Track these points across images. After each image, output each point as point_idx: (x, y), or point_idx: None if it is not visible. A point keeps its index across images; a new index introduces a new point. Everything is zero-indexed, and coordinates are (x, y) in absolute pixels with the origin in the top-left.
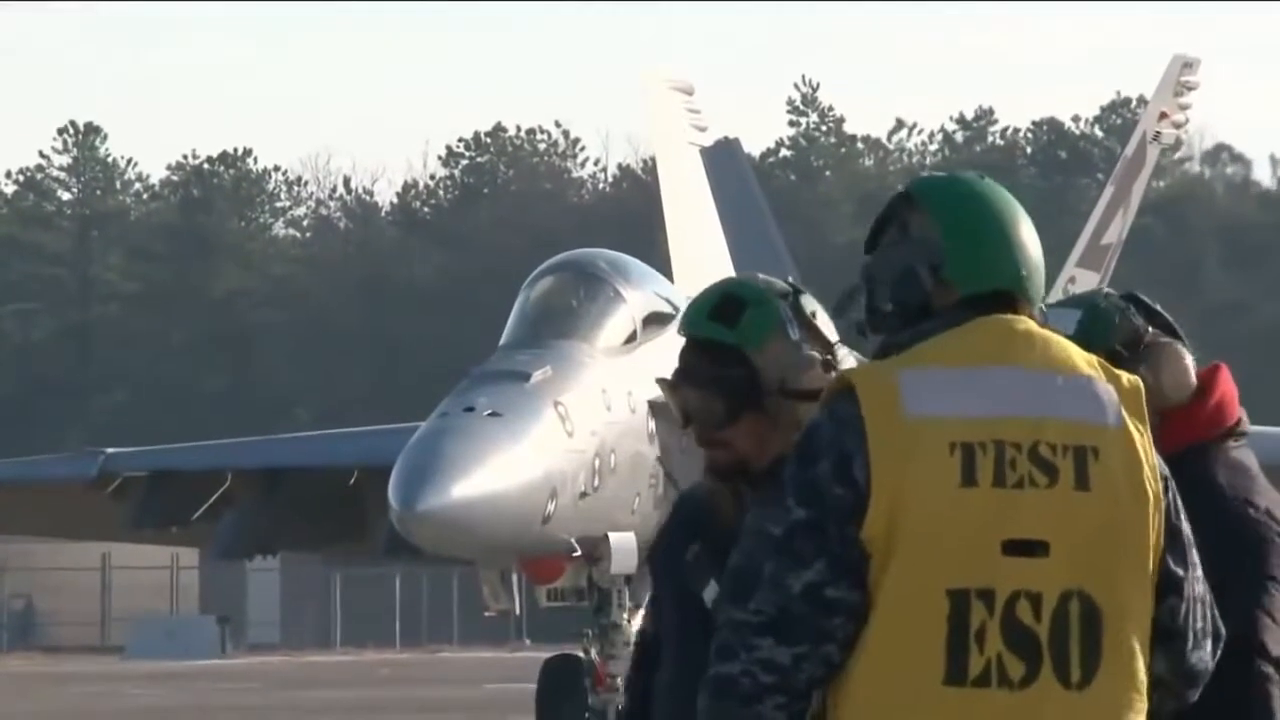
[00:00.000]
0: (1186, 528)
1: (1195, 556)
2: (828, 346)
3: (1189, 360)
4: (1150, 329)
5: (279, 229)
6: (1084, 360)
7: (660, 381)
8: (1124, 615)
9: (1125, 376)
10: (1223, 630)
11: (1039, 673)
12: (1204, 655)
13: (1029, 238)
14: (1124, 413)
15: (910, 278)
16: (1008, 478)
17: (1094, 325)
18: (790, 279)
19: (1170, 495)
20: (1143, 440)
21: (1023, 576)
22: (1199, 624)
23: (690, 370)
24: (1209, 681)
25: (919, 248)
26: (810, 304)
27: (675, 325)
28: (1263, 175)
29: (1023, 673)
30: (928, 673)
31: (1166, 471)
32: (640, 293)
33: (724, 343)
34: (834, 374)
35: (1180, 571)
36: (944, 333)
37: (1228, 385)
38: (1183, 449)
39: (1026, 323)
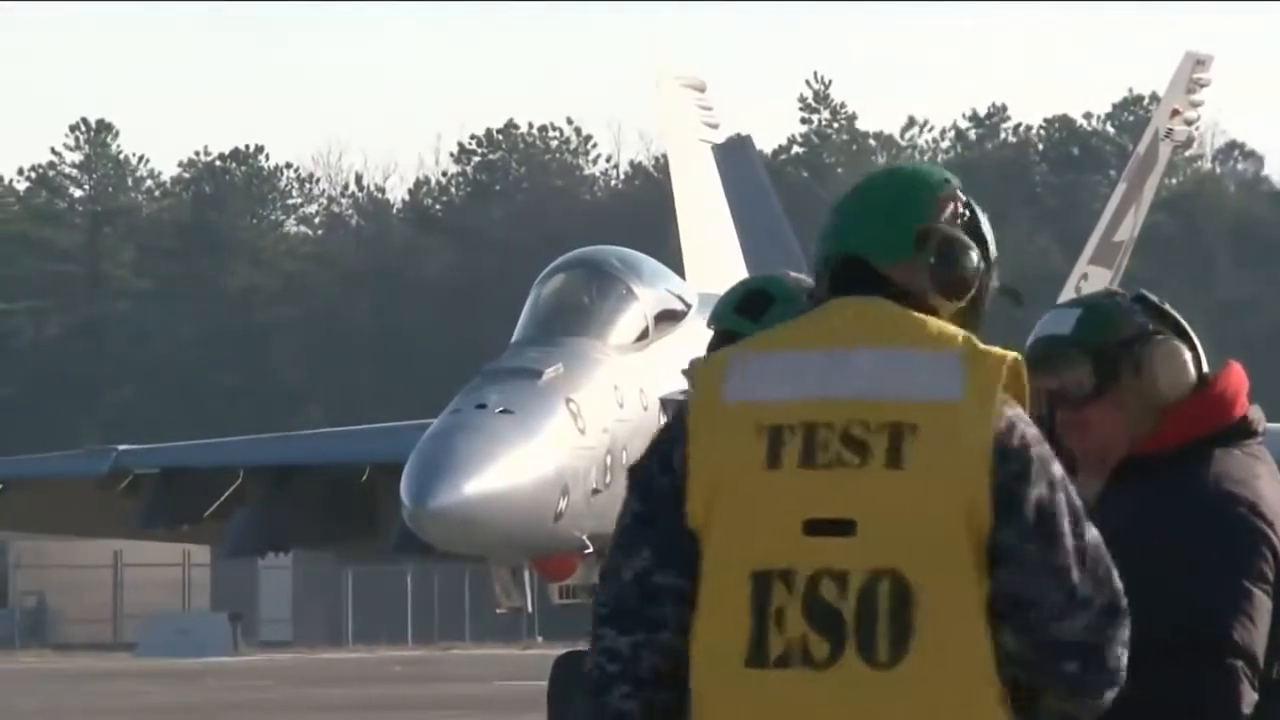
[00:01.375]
0: (1039, 494)
1: (1061, 525)
2: None
3: (1186, 357)
4: (1152, 327)
5: (291, 226)
6: (932, 333)
7: (685, 371)
8: (941, 593)
9: (996, 352)
10: (1121, 603)
11: (843, 652)
12: (1073, 626)
13: (880, 199)
14: (967, 385)
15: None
16: (817, 459)
17: (1090, 322)
18: None
19: (1015, 464)
20: (984, 412)
21: (827, 556)
22: (1056, 594)
23: None
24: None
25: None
26: None
27: (687, 322)
28: (1274, 172)
29: (827, 652)
30: (732, 655)
31: (1029, 439)
32: (652, 290)
33: (747, 336)
34: None
35: (1014, 542)
36: (797, 317)
37: (1231, 382)
38: (1181, 446)
39: (861, 303)
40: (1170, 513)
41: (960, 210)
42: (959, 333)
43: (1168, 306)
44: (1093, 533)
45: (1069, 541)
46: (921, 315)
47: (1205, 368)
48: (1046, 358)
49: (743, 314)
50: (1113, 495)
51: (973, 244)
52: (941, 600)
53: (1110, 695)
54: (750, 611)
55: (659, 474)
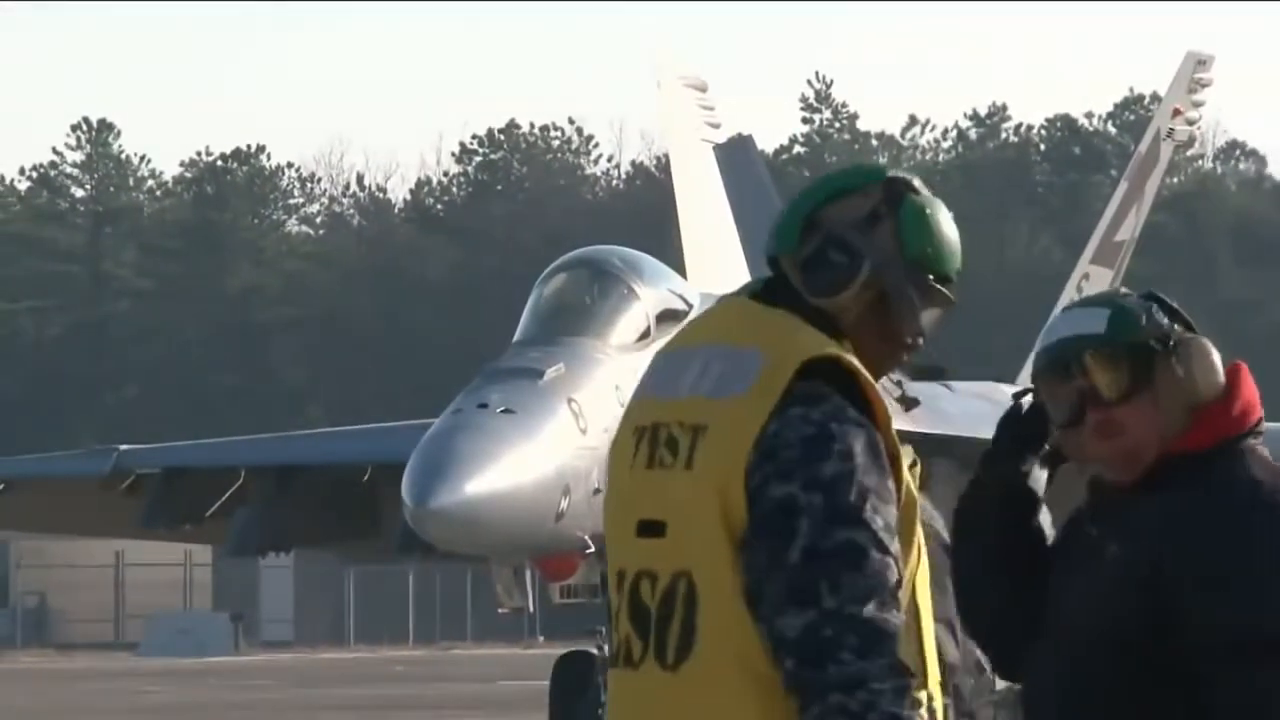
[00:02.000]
0: (785, 492)
1: (800, 524)
2: None
3: (1217, 356)
4: (1178, 326)
5: (292, 225)
6: (754, 333)
7: None
8: (723, 594)
9: (799, 349)
10: (861, 612)
11: (647, 652)
12: (794, 623)
13: (802, 197)
14: (757, 383)
15: None
16: (655, 459)
17: (1122, 321)
18: None
19: (770, 464)
20: (760, 411)
21: (645, 556)
22: (779, 589)
23: None
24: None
25: None
26: None
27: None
28: (1277, 171)
29: (640, 651)
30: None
31: (790, 440)
32: (654, 290)
33: None
34: None
35: (749, 536)
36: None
37: (1251, 382)
38: (1213, 445)
39: (730, 301)
40: (1234, 512)
41: (878, 209)
42: (783, 331)
43: (1177, 306)
44: (854, 538)
45: (804, 541)
46: (772, 312)
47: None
48: (1078, 357)
49: None
50: (1148, 496)
51: (851, 243)
52: (723, 602)
53: (834, 699)
54: (608, 610)
55: None
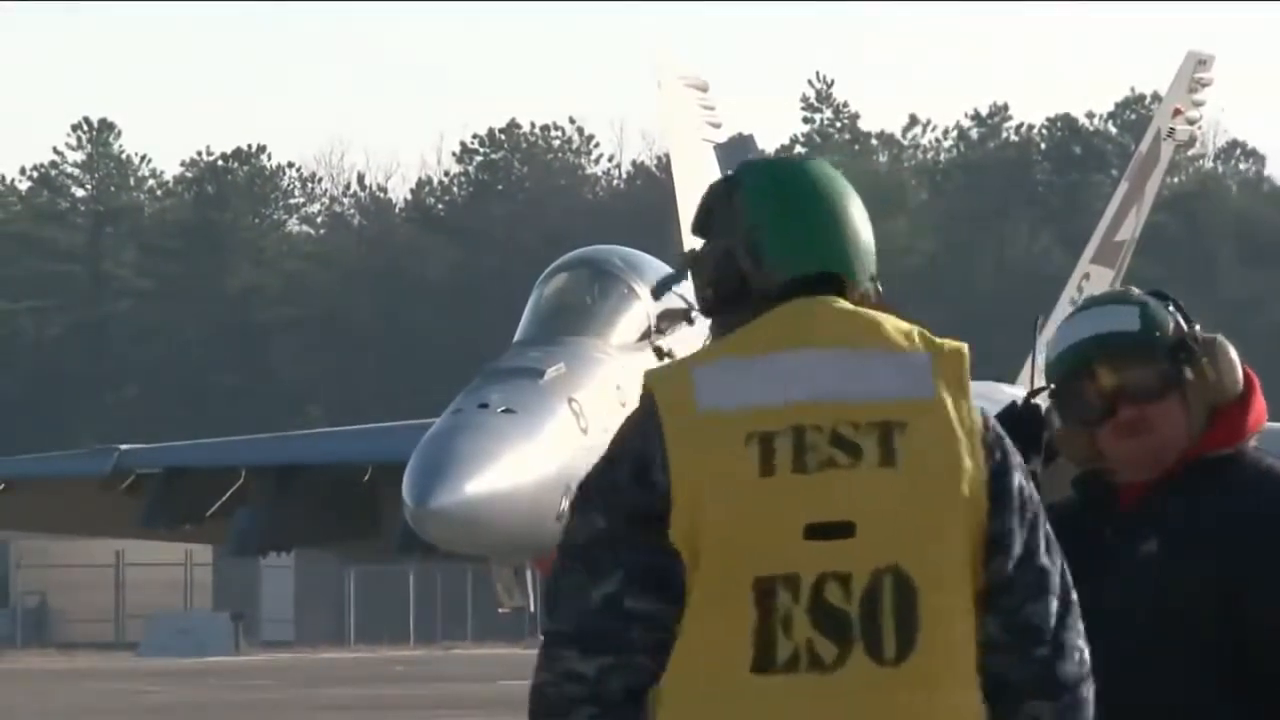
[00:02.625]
0: (1021, 484)
1: (1039, 512)
2: None
3: (1236, 355)
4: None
5: (293, 225)
6: (896, 332)
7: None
8: (941, 587)
9: (948, 344)
10: (1072, 596)
11: (851, 653)
12: (1041, 611)
13: (852, 217)
14: (939, 381)
15: (729, 262)
16: (809, 463)
17: (1154, 319)
18: None
19: (998, 455)
20: (959, 406)
21: (829, 559)
22: (1030, 578)
23: None
24: None
25: (740, 233)
26: None
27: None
28: (1277, 172)
29: (835, 654)
30: (736, 663)
31: (999, 430)
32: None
33: None
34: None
35: (1008, 528)
36: (754, 321)
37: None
38: (1233, 448)
39: (829, 302)
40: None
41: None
42: (914, 329)
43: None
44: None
45: (1044, 529)
46: (874, 314)
47: None
48: (1115, 354)
49: None
50: (1176, 497)
51: (692, 258)
52: (943, 595)
53: (1082, 692)
54: (754, 619)
55: (631, 490)
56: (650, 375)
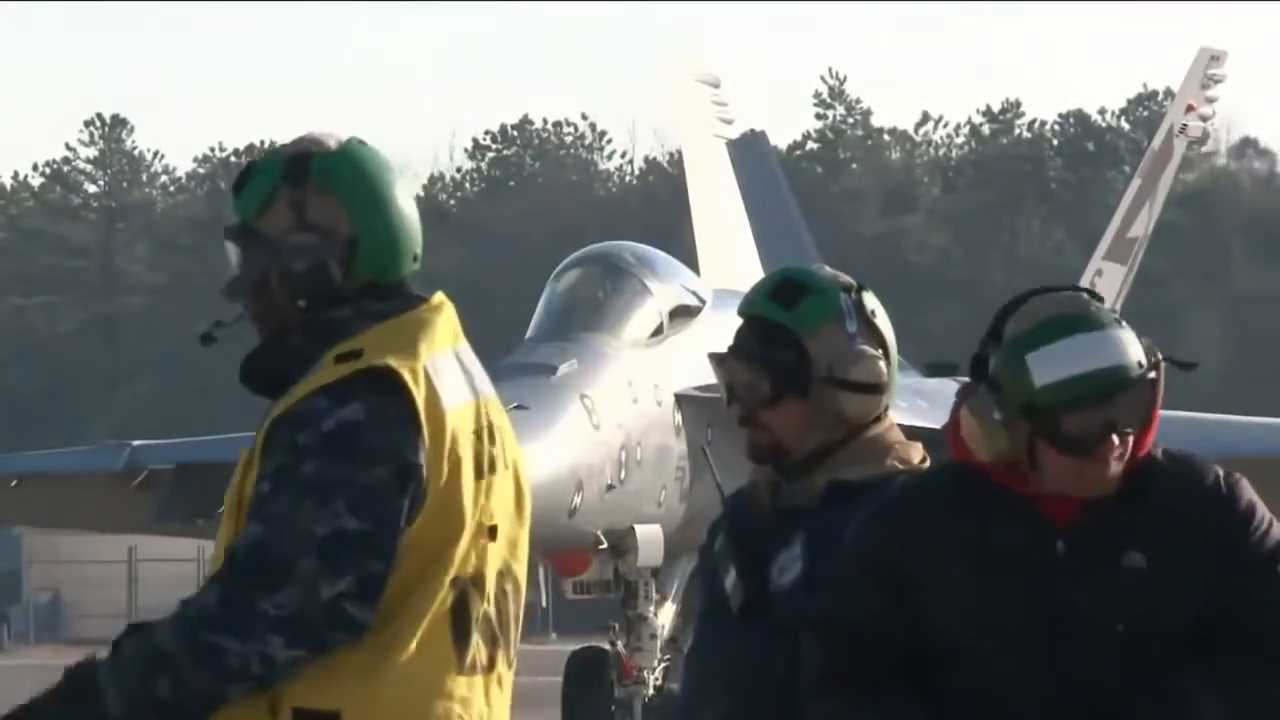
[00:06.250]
0: None
1: None
2: (883, 345)
3: None
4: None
5: None
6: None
7: (711, 355)
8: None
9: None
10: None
11: (499, 654)
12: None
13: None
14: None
15: (321, 268)
16: (484, 463)
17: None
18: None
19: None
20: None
21: (490, 559)
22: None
23: (742, 346)
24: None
25: (325, 234)
26: (871, 302)
27: (701, 318)
28: None
29: (486, 657)
30: (445, 663)
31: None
32: (667, 285)
33: (779, 323)
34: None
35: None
36: (399, 317)
37: None
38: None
39: (441, 299)
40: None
41: None
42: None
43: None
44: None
45: None
46: None
47: None
48: (1125, 387)
49: (775, 300)
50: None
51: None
52: (523, 594)
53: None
54: (451, 620)
55: (396, 496)
56: (392, 366)
